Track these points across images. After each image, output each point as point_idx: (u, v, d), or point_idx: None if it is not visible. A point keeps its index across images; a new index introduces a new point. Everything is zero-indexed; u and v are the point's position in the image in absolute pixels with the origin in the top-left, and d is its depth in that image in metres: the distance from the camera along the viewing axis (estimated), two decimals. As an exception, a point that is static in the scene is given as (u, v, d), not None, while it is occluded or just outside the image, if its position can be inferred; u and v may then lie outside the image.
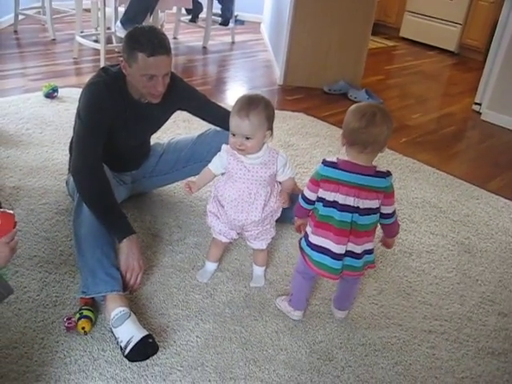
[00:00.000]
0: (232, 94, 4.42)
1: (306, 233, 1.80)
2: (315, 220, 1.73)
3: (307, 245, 1.76)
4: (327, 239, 1.70)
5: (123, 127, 2.11)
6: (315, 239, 1.73)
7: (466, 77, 5.62)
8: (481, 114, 4.37)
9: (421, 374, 1.80)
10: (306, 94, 4.44)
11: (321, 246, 1.72)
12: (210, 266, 2.12)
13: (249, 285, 2.10)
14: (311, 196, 1.72)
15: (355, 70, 4.61)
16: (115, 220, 1.88)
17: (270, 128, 1.80)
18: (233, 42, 5.73)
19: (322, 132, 3.65)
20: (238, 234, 2.02)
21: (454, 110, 4.52)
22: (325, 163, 1.67)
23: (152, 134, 2.37)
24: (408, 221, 2.69)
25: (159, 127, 2.36)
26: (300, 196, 1.77)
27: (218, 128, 2.39)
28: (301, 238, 1.84)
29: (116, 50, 4.64)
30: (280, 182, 1.97)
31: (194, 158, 2.40)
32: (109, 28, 4.72)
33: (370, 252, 1.79)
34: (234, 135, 1.77)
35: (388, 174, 1.69)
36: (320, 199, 1.70)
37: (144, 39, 1.88)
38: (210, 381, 1.66)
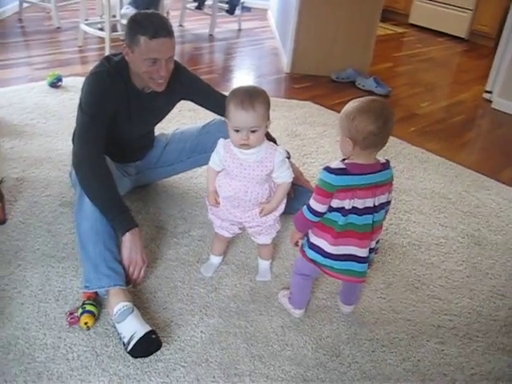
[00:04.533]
0: (238, 82, 4.36)
1: (312, 244, 1.68)
2: (335, 232, 1.60)
3: (325, 257, 1.65)
4: (351, 246, 1.62)
5: (126, 118, 2.07)
6: (336, 249, 1.63)
7: (476, 64, 5.53)
8: (491, 102, 4.29)
9: (429, 371, 1.76)
10: (313, 82, 4.38)
11: (345, 255, 1.63)
12: (215, 259, 2.09)
13: (254, 278, 2.06)
14: (322, 209, 1.58)
15: (363, 57, 4.54)
16: (117, 213, 1.84)
17: (269, 117, 1.74)
18: (239, 30, 5.66)
19: (330, 121, 3.59)
20: (241, 229, 1.98)
21: (463, 98, 4.45)
22: (334, 172, 1.54)
23: (156, 124, 2.33)
24: (417, 212, 2.64)
25: (163, 118, 2.31)
26: (305, 210, 1.63)
27: (223, 118, 2.34)
28: (302, 247, 1.74)
29: (121, 38, 4.57)
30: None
31: (198, 148, 2.35)
32: (114, 16, 4.66)
33: (378, 240, 1.74)
34: (237, 131, 1.69)
35: (389, 162, 1.63)
36: (336, 209, 1.58)
37: (146, 22, 1.84)
38: (214, 377, 1.63)
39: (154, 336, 1.63)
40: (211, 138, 2.29)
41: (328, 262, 1.65)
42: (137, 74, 1.96)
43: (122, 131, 2.11)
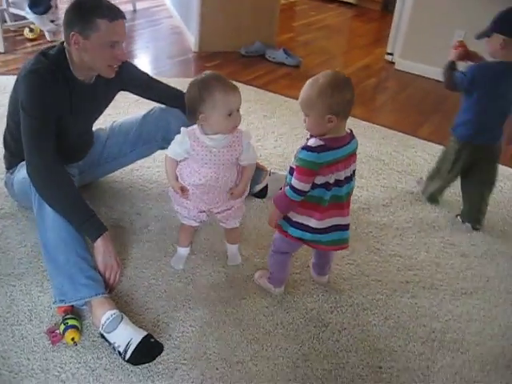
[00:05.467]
0: (148, 66, 4.21)
1: (296, 223, 1.68)
2: (321, 207, 1.63)
3: (313, 233, 1.66)
4: (335, 217, 1.66)
5: (69, 113, 1.92)
6: (323, 223, 1.65)
7: (368, 28, 5.77)
8: (394, 63, 4.51)
9: (411, 325, 1.87)
10: (223, 59, 4.34)
11: (331, 226, 1.67)
12: (183, 251, 2.04)
13: (226, 264, 2.05)
14: (306, 187, 1.59)
15: (269, 29, 4.58)
16: (85, 219, 1.73)
17: None
18: (134, 11, 5.44)
19: (251, 97, 3.60)
20: (208, 216, 1.95)
21: (367, 62, 4.63)
22: (315, 150, 1.54)
23: (97, 118, 2.19)
24: (357, 177, 2.67)
25: (103, 110, 2.18)
26: (289, 191, 1.61)
27: (162, 106, 2.27)
28: (282, 228, 1.73)
29: (11, 28, 4.24)
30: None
31: (141, 139, 2.27)
32: (-1, 5, 4.29)
33: None
34: (229, 115, 1.66)
35: (352, 131, 1.67)
36: (320, 185, 1.60)
37: (100, 5, 1.75)
38: (217, 369, 1.61)
39: (152, 340, 1.58)
40: (153, 127, 2.24)
41: (317, 237, 1.68)
42: (85, 64, 1.82)
43: (65, 129, 1.95)
